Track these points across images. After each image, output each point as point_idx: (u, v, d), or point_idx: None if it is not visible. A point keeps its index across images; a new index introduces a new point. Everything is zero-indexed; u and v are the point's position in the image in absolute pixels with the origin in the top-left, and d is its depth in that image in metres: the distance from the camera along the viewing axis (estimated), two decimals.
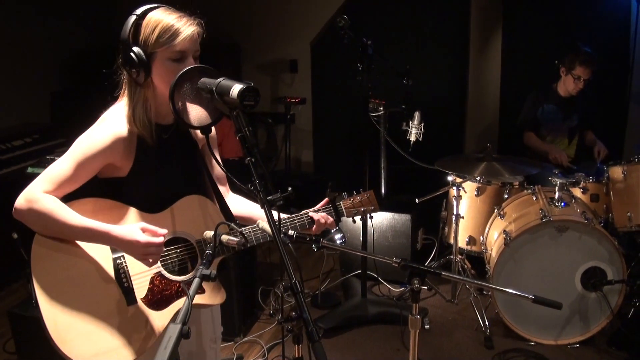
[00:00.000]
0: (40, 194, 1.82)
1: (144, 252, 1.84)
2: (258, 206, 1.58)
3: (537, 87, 4.75)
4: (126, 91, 1.96)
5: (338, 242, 2.35)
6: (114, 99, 2.03)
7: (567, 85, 4.48)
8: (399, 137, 4.17)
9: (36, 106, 5.51)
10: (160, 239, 1.87)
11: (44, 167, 3.21)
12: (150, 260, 1.87)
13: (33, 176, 3.01)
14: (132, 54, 1.84)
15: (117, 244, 1.85)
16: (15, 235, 3.60)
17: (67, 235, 1.86)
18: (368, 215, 2.39)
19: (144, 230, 1.87)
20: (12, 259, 3.90)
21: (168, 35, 1.84)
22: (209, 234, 1.82)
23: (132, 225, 1.88)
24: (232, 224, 1.76)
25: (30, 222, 1.84)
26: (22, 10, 5.27)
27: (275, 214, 1.61)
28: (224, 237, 1.76)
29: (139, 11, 1.88)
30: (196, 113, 1.77)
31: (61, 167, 1.87)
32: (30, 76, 5.42)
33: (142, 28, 1.86)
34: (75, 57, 5.87)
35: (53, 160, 3.32)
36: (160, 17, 1.87)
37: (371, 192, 2.37)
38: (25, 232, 1.90)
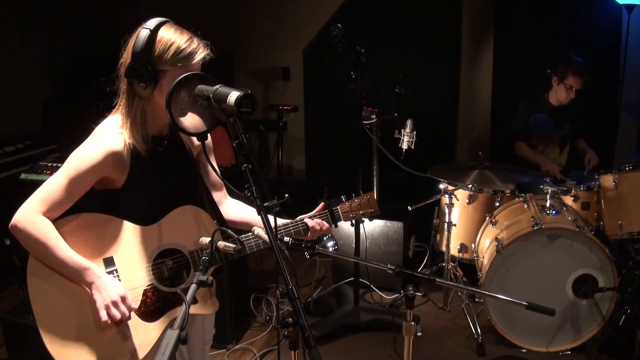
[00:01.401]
0: (36, 216, 1.85)
1: (115, 301, 1.86)
2: (255, 211, 1.59)
3: (529, 96, 4.78)
4: (123, 101, 1.97)
5: (331, 249, 2.36)
6: (106, 106, 2.04)
7: (559, 94, 4.52)
8: (391, 145, 4.18)
9: (28, 112, 5.49)
10: (133, 306, 1.91)
11: (37, 173, 3.24)
12: (110, 316, 1.86)
13: (26, 183, 3.02)
14: (145, 69, 1.86)
15: (95, 285, 1.87)
16: (7, 242, 3.59)
17: (52, 266, 1.88)
18: (367, 219, 2.35)
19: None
20: (4, 266, 3.88)
21: (183, 56, 1.88)
22: (205, 240, 1.83)
23: (119, 283, 1.92)
24: (229, 230, 1.76)
25: (22, 242, 1.88)
26: (14, 17, 5.26)
27: (272, 219, 1.61)
28: (221, 244, 1.76)
29: (151, 25, 1.89)
30: (193, 120, 1.78)
31: (55, 185, 1.89)
32: (22, 82, 5.41)
33: (156, 44, 1.88)
34: (67, 64, 5.87)
35: (46, 166, 3.34)
36: (174, 37, 1.90)
37: (371, 194, 2.35)
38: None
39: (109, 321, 1.86)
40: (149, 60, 1.87)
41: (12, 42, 5.24)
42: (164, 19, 1.93)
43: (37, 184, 1.91)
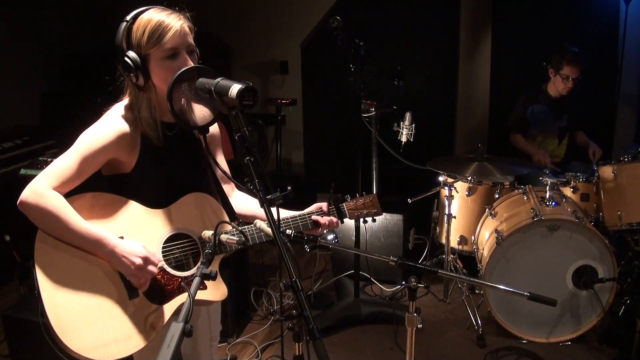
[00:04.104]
0: (46, 189, 1.82)
1: (140, 265, 1.85)
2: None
3: (527, 88, 4.79)
4: (130, 95, 1.97)
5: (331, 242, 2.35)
6: (104, 101, 2.04)
7: (557, 85, 4.52)
8: (390, 137, 4.18)
9: (26, 108, 5.49)
10: (158, 262, 1.90)
11: (37, 168, 3.23)
12: (142, 281, 1.87)
13: (26, 177, 3.01)
14: (127, 59, 1.86)
15: (115, 253, 1.85)
16: (7, 238, 3.59)
17: (66, 239, 1.85)
18: (370, 219, 2.38)
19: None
20: (4, 261, 3.89)
21: (157, 34, 1.86)
22: (208, 233, 1.83)
23: (136, 242, 1.90)
24: (232, 223, 1.76)
25: (33, 217, 1.84)
26: (12, 13, 5.25)
27: (274, 212, 1.61)
28: (223, 237, 1.76)
29: (129, 17, 1.90)
30: (194, 113, 1.78)
31: (66, 162, 1.88)
32: (19, 79, 5.40)
33: (134, 32, 1.88)
34: (64, 59, 5.85)
35: (46, 161, 3.33)
36: (149, 17, 1.88)
37: (374, 195, 2.38)
38: (17, 234, 1.91)
39: (143, 286, 1.88)
40: (132, 50, 1.87)
41: (9, 38, 5.23)
42: (145, 8, 1.92)
43: None
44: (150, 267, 1.87)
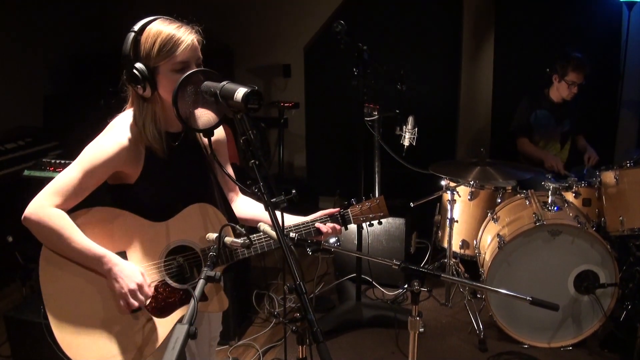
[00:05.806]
0: (49, 208, 1.84)
1: (133, 290, 1.86)
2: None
3: (529, 92, 4.79)
4: (134, 106, 1.97)
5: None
6: (106, 103, 2.04)
7: (561, 91, 4.52)
8: (392, 141, 4.19)
9: (28, 110, 5.49)
10: (150, 292, 1.91)
11: (41, 169, 3.24)
12: (125, 306, 1.88)
13: (30, 179, 3.01)
14: (135, 71, 1.85)
15: (112, 272, 1.86)
16: (10, 239, 3.60)
17: (68, 255, 1.88)
18: (377, 222, 2.35)
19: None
20: (7, 262, 3.89)
21: (169, 47, 1.86)
22: (212, 236, 1.83)
23: (137, 268, 1.91)
24: (237, 226, 1.76)
25: (36, 234, 1.87)
26: (15, 14, 5.26)
27: (279, 215, 1.62)
28: (228, 239, 1.76)
29: (137, 27, 1.90)
30: (199, 116, 1.79)
31: (69, 177, 1.88)
32: (22, 80, 5.41)
33: (142, 43, 1.88)
34: (67, 61, 5.86)
35: (49, 163, 3.34)
36: (159, 29, 1.88)
37: (381, 198, 2.35)
38: (20, 236, 1.91)
39: (128, 309, 1.88)
40: (140, 61, 1.87)
41: (12, 40, 5.24)
42: (152, 18, 1.92)
43: (40, 181, 1.91)
44: (140, 297, 1.88)
